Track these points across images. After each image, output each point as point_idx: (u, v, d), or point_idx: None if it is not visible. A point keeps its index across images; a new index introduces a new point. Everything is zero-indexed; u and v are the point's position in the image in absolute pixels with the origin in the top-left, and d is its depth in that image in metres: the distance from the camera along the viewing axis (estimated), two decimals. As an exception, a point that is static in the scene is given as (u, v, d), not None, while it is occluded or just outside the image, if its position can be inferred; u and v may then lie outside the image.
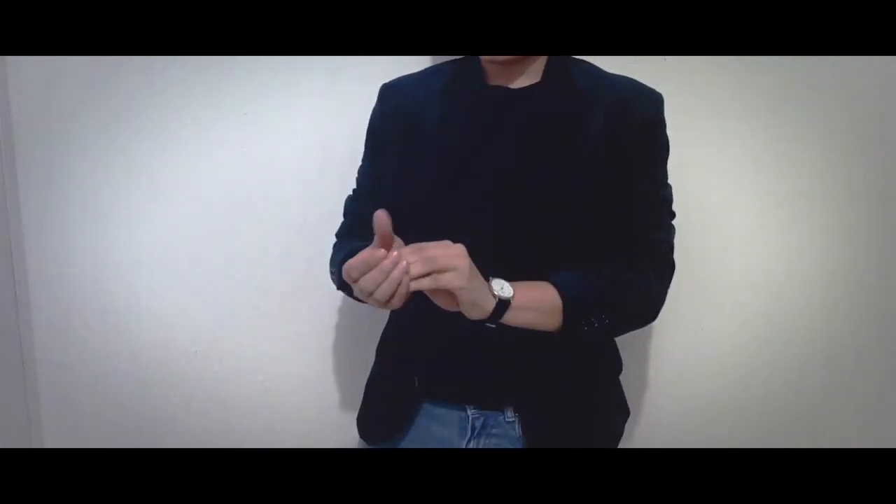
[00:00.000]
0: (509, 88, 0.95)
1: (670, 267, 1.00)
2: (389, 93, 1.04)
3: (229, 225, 1.37)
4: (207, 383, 1.45)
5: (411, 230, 0.84)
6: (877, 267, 1.42)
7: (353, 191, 1.09)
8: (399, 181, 0.98)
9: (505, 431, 0.99)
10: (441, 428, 1.01)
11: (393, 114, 1.01)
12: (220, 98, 1.31)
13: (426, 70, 1.05)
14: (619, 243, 0.94)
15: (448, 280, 0.78)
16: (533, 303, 0.87)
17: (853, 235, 1.40)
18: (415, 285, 0.78)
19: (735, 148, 1.34)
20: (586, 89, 0.94)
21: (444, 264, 0.78)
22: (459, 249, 0.80)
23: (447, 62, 1.03)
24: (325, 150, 1.34)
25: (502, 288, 0.84)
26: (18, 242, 1.37)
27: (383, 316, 1.11)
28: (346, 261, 0.83)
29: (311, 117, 1.33)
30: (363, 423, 1.09)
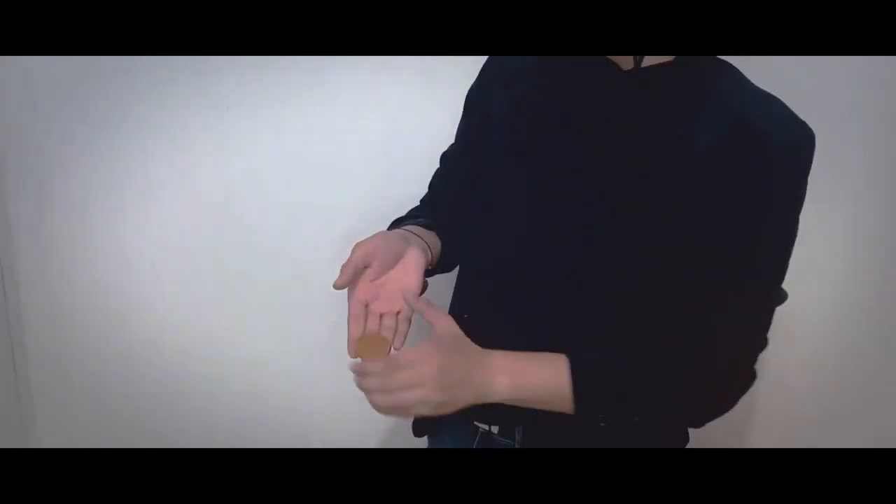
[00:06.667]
0: (619, 68, 0.83)
1: (760, 346, 0.80)
2: (490, 66, 0.98)
3: (220, 223, 1.37)
4: (200, 383, 1.45)
5: (484, 204, 0.86)
6: (879, 267, 1.42)
7: (449, 147, 1.07)
8: (479, 149, 0.94)
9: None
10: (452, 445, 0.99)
11: (489, 82, 0.97)
12: (208, 95, 1.30)
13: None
14: (708, 300, 0.77)
15: (416, 410, 0.77)
16: (527, 395, 0.80)
17: (855, 236, 1.40)
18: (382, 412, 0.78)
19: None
20: (712, 92, 0.83)
21: (405, 399, 0.76)
22: (425, 367, 0.76)
23: None
24: (314, 148, 1.33)
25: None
26: (8, 242, 1.36)
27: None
28: (398, 223, 0.99)
29: (298, 114, 1.32)
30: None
